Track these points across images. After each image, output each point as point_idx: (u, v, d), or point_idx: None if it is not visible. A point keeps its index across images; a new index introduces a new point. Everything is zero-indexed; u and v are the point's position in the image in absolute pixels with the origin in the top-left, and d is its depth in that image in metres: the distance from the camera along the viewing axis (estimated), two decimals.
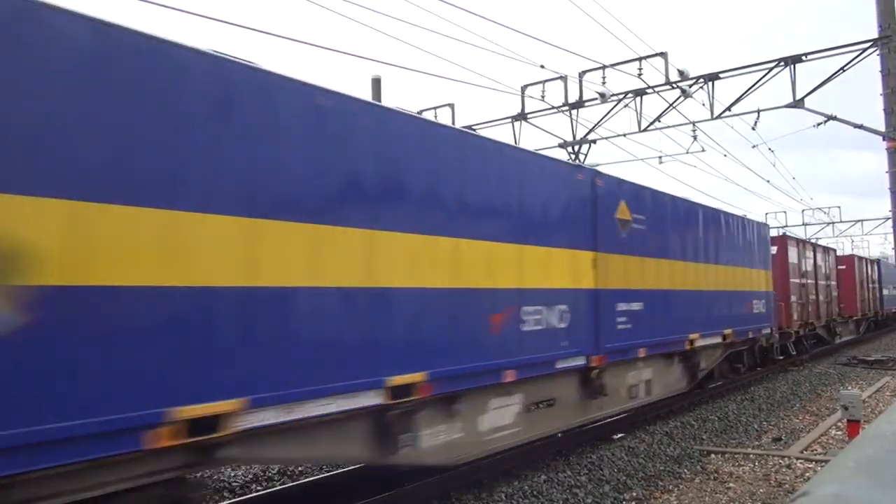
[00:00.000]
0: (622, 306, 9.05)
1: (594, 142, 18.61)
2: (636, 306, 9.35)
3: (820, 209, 41.02)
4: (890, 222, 34.05)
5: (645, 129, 17.34)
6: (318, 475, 8.41)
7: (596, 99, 17.03)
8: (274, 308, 4.65)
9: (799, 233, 43.73)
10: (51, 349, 3.55)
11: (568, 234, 8.10)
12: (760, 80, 15.41)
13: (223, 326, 4.39)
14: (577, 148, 18.75)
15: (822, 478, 1.50)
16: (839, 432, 10.29)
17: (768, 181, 27.86)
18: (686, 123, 17.74)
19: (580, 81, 16.90)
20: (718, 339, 12.31)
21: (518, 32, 13.88)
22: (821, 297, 20.14)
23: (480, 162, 6.73)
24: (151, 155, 4.10)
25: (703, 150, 19.18)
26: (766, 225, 15.46)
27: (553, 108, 17.56)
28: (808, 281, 18.53)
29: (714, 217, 12.45)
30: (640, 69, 15.81)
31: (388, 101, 21.41)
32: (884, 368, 18.75)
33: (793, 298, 16.62)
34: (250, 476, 8.40)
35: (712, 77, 15.98)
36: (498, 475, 8.27)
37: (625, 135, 17.86)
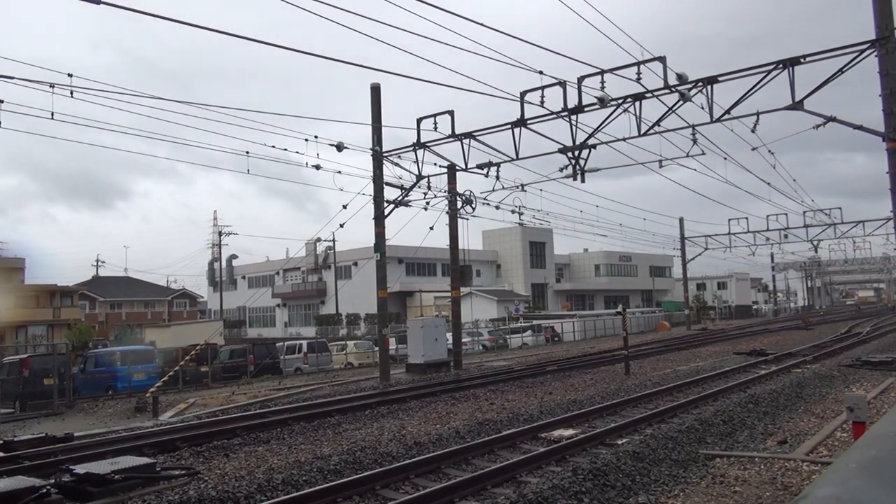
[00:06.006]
0: None
1: (594, 147, 18.62)
2: None
3: (821, 210, 40.87)
4: (892, 223, 33.97)
5: (645, 134, 17.35)
6: (322, 484, 8.39)
7: (595, 104, 17.05)
8: None
9: (801, 234, 43.68)
10: None
11: None
12: (759, 82, 15.43)
13: None
14: (576, 153, 18.77)
15: (823, 480, 1.49)
16: (845, 434, 10.24)
17: (769, 183, 27.80)
18: (686, 127, 17.74)
19: (579, 87, 16.93)
20: None
21: (516, 39, 13.89)
22: None
23: None
24: None
25: (704, 154, 19.11)
26: None
27: (552, 113, 17.57)
28: None
29: None
30: (638, 73, 15.82)
31: (387, 108, 21.46)
32: (888, 369, 18.66)
33: None
34: (254, 487, 8.38)
35: (711, 80, 16.00)
36: (502, 481, 8.25)
37: (624, 139, 17.86)
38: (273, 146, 19.64)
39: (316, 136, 18.95)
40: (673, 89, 16.18)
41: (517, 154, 18.97)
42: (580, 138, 18.31)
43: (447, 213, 24.41)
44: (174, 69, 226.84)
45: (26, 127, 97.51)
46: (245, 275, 75.73)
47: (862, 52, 14.25)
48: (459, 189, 23.97)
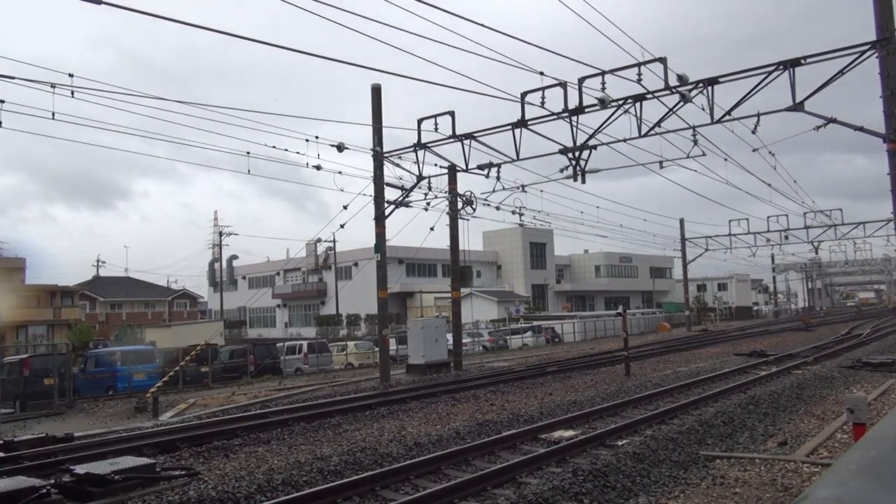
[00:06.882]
0: None
1: (595, 147, 18.61)
2: None
3: (822, 212, 40.86)
4: (892, 224, 33.97)
5: (645, 135, 17.34)
6: (322, 485, 8.39)
7: (596, 105, 17.05)
8: None
9: (801, 236, 43.67)
10: None
11: None
12: (760, 83, 15.42)
13: None
14: (577, 154, 18.76)
15: (824, 481, 1.49)
16: (845, 436, 10.24)
17: (769, 185, 27.81)
18: (686, 128, 17.74)
19: (580, 87, 16.92)
20: None
21: (517, 39, 13.89)
22: None
23: None
24: None
25: (704, 154, 19.10)
26: None
27: (553, 114, 17.57)
28: None
29: None
30: (639, 74, 15.81)
31: (387, 109, 21.48)
32: (889, 371, 18.66)
33: None
34: (254, 487, 8.37)
35: (712, 81, 15.99)
36: (502, 482, 8.25)
37: (625, 140, 17.86)
38: (273, 146, 19.64)
39: (317, 137, 18.99)
40: (673, 90, 16.17)
41: (518, 155, 18.98)
42: (581, 139, 18.32)
43: (448, 213, 24.41)
44: (174, 69, 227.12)
45: (27, 127, 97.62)
46: (245, 275, 75.77)
47: (862, 53, 14.24)
48: (460, 190, 23.98)
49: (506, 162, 20.03)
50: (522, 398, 16.29)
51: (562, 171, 19.47)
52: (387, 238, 22.60)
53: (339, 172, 20.26)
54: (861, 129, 14.99)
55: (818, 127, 15.83)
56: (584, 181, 19.25)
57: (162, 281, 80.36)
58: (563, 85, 17.00)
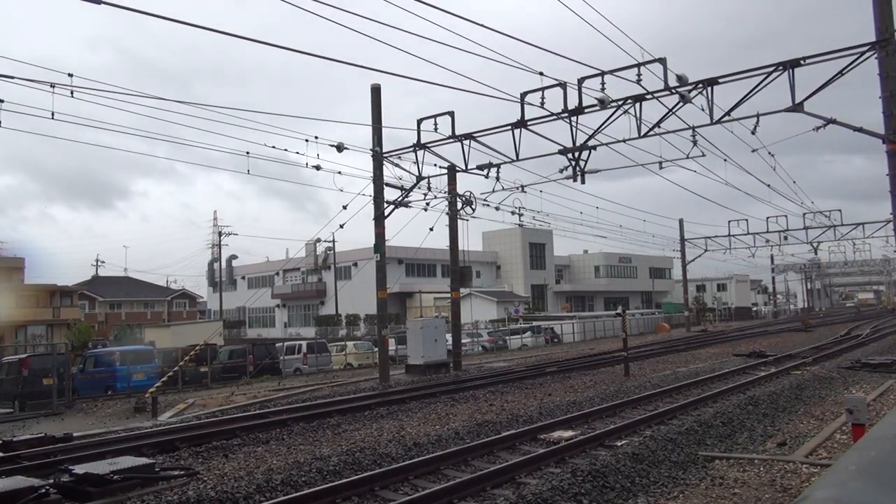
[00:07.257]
0: None
1: (594, 148, 18.61)
2: None
3: (821, 212, 40.88)
4: (891, 225, 33.97)
5: (645, 135, 17.34)
6: (321, 485, 8.38)
7: (595, 105, 17.05)
8: None
9: (800, 236, 43.69)
10: None
11: None
12: (759, 84, 15.43)
13: None
14: (576, 154, 18.76)
15: (823, 481, 1.49)
16: (844, 436, 10.24)
17: (768, 185, 27.84)
18: (686, 129, 17.75)
19: (579, 88, 16.93)
20: None
21: (517, 40, 13.89)
22: None
23: None
24: None
25: (704, 155, 19.12)
26: None
27: (552, 114, 17.57)
28: None
29: None
30: (639, 75, 15.82)
31: (387, 109, 21.47)
32: (888, 371, 18.66)
33: None
34: (253, 487, 8.37)
35: (711, 82, 16.00)
36: (501, 482, 8.25)
37: (625, 140, 17.86)
38: (273, 146, 19.68)
39: (316, 137, 19.00)
40: (673, 91, 16.18)
41: (517, 155, 18.98)
42: (580, 139, 18.32)
43: (447, 213, 24.42)
44: (174, 69, 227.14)
45: (27, 127, 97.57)
46: (245, 275, 75.75)
47: (862, 54, 14.25)
48: (459, 190, 23.99)
49: (505, 162, 20.04)
50: (521, 398, 16.29)
51: (561, 171, 19.47)
52: (386, 238, 22.60)
53: (339, 172, 20.30)
54: (860, 129, 15.00)
55: (818, 127, 15.83)
56: (583, 181, 19.26)
57: (161, 281, 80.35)
58: (563, 85, 17.01)
